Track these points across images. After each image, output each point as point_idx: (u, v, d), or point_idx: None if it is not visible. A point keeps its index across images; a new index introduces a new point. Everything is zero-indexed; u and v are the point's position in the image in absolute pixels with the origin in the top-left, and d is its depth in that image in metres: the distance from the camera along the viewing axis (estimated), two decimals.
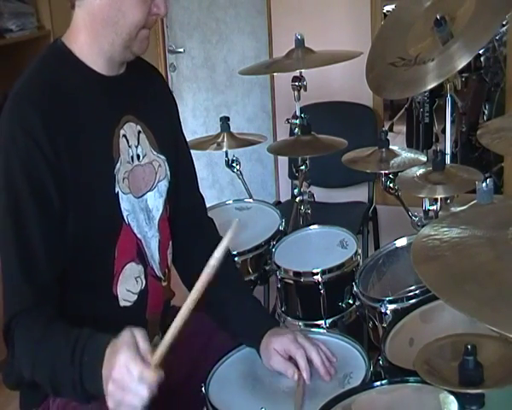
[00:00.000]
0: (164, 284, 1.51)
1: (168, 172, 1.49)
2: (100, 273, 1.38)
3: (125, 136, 1.39)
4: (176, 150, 1.54)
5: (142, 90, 1.47)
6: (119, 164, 1.36)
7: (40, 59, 1.37)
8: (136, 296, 1.42)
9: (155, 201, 1.46)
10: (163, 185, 1.47)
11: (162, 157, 1.47)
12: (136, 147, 1.41)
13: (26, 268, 1.27)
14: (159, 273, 1.48)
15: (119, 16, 1.30)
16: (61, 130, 1.28)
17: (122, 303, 1.40)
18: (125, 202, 1.38)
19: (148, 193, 1.44)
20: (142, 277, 1.43)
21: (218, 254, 1.10)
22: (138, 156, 1.41)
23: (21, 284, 1.27)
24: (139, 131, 1.42)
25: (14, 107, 1.29)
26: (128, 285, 1.41)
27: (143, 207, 1.43)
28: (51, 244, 1.28)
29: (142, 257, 1.43)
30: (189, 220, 1.59)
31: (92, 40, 1.33)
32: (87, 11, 1.31)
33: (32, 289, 1.27)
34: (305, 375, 1.35)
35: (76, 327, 1.24)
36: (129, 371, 1.08)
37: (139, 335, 1.13)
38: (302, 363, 1.36)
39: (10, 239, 1.27)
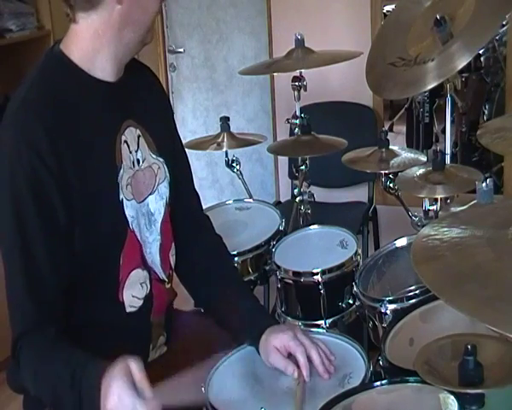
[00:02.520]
0: (168, 286, 1.51)
1: (168, 174, 1.48)
2: (106, 281, 1.38)
3: (126, 142, 1.38)
4: (173, 151, 1.54)
5: (140, 93, 1.46)
6: (122, 171, 1.36)
7: (39, 68, 1.35)
8: (141, 302, 1.42)
9: (157, 204, 1.45)
10: (163, 187, 1.47)
11: (161, 160, 1.47)
12: (136, 152, 1.41)
13: (30, 286, 1.26)
14: (162, 276, 1.48)
15: (140, 13, 1.31)
16: (65, 142, 1.27)
17: (128, 309, 1.40)
18: (130, 209, 1.37)
19: (150, 197, 1.44)
20: (147, 282, 1.43)
21: None
22: (138, 161, 1.41)
23: (26, 302, 1.27)
24: (139, 136, 1.41)
25: (17, 120, 1.27)
26: (134, 291, 1.40)
27: (145, 212, 1.42)
28: (56, 260, 1.28)
29: (146, 262, 1.43)
30: (187, 220, 1.59)
31: (102, 46, 1.32)
32: (101, 21, 1.29)
33: (36, 308, 1.27)
34: (305, 372, 1.35)
35: (76, 348, 1.25)
36: (122, 403, 1.09)
37: (134, 365, 1.12)
38: (302, 360, 1.36)
39: (15, 255, 1.27)
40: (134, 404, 1.08)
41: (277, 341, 1.39)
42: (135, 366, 1.12)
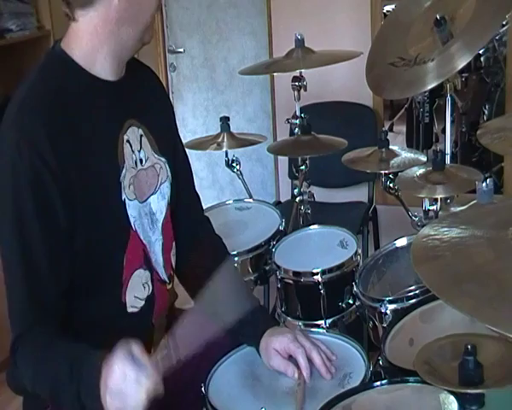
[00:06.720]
0: (169, 286, 1.51)
1: (169, 174, 1.48)
2: (109, 282, 1.37)
3: (128, 141, 1.38)
4: (174, 151, 1.54)
5: (141, 93, 1.46)
6: (124, 170, 1.36)
7: (41, 67, 1.35)
8: (143, 302, 1.42)
9: (158, 203, 1.45)
10: (165, 187, 1.47)
11: (163, 159, 1.47)
12: (139, 151, 1.40)
13: (29, 287, 1.26)
14: (163, 277, 1.48)
15: (137, 10, 1.31)
16: (66, 142, 1.26)
17: (130, 310, 1.40)
18: (132, 209, 1.37)
19: (152, 196, 1.44)
20: (150, 282, 1.43)
21: None
22: (141, 160, 1.41)
23: (25, 304, 1.27)
24: (141, 135, 1.41)
25: (18, 120, 1.26)
26: (136, 292, 1.40)
27: (147, 212, 1.42)
28: (56, 262, 1.28)
29: (148, 263, 1.43)
30: (187, 220, 1.59)
31: (101, 44, 1.32)
32: (99, 17, 1.29)
33: (34, 309, 1.27)
34: (306, 374, 1.35)
35: (75, 343, 1.26)
36: (125, 376, 1.10)
37: (134, 346, 1.14)
38: (303, 362, 1.36)
39: (15, 258, 1.26)
40: (138, 376, 1.09)
41: (277, 343, 1.40)
42: (135, 347, 1.13)
